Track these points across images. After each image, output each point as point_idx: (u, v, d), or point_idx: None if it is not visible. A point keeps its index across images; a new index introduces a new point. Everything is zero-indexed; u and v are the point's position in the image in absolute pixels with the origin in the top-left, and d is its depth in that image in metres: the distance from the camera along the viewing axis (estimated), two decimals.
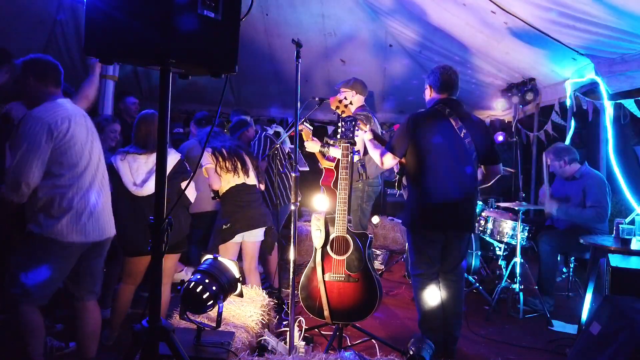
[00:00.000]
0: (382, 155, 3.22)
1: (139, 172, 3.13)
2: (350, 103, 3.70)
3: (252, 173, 3.75)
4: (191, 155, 4.32)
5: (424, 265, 3.16)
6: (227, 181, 3.64)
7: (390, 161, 3.20)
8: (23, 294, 2.47)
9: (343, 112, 3.60)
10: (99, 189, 2.66)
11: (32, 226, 2.45)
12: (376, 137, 3.43)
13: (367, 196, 4.10)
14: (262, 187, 3.91)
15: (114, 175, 3.11)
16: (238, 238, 3.66)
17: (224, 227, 3.61)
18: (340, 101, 3.61)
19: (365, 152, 3.74)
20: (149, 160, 3.16)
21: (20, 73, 2.54)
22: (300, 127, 3.86)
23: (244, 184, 3.68)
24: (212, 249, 3.65)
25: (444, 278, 3.20)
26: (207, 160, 3.61)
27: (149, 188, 3.09)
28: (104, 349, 3.23)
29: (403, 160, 3.28)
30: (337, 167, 4.05)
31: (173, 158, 3.21)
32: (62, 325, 3.49)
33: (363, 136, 3.40)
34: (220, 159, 3.60)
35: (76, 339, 2.83)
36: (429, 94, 3.29)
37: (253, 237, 3.74)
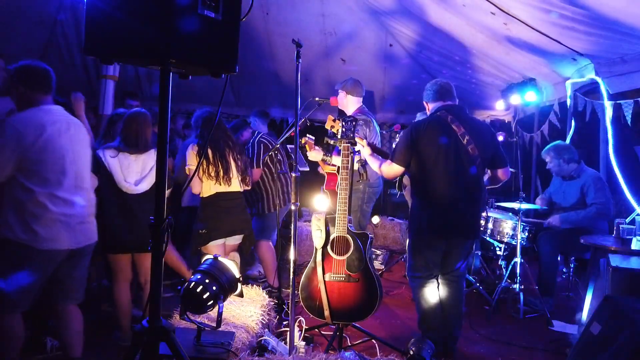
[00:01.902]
0: (385, 166, 3.22)
1: (130, 170, 3.16)
2: (339, 119, 3.71)
3: (235, 180, 3.61)
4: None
5: (423, 268, 3.17)
6: (208, 187, 3.54)
7: (394, 171, 3.20)
8: (6, 303, 2.45)
9: (338, 130, 3.62)
10: (82, 197, 2.64)
11: (8, 233, 2.42)
12: (375, 150, 3.42)
13: (367, 197, 4.10)
14: (248, 187, 3.81)
15: (103, 170, 3.14)
16: (219, 240, 3.62)
17: (200, 232, 3.56)
18: (334, 120, 3.65)
19: None
20: (138, 159, 3.19)
21: (11, 78, 2.55)
22: (303, 140, 3.87)
23: (226, 192, 3.58)
24: (192, 252, 3.63)
25: (443, 278, 3.20)
26: (192, 160, 3.50)
27: (142, 186, 3.17)
28: (104, 348, 3.24)
29: None
30: (339, 171, 4.05)
31: (154, 157, 3.18)
32: None
33: (362, 151, 3.38)
34: (204, 163, 3.46)
35: (61, 340, 2.80)
36: (428, 109, 3.33)
37: (233, 240, 3.74)
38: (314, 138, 4.02)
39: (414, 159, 3.11)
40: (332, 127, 3.66)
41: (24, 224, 2.42)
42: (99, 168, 3.14)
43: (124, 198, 3.15)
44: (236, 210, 3.67)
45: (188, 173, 3.57)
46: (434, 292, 3.16)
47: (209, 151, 3.49)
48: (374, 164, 3.33)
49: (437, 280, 3.20)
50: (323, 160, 4.00)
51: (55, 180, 2.50)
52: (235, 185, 3.64)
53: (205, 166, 3.46)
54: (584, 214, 4.13)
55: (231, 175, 3.56)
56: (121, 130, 3.25)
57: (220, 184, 3.53)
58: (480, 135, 3.11)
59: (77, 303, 2.77)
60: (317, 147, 3.98)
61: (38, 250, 2.45)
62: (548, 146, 4.51)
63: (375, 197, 4.21)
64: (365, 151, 3.37)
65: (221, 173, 3.50)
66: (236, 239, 3.76)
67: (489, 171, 3.28)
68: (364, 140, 3.42)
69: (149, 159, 3.22)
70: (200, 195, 3.59)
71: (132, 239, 3.18)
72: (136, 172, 3.18)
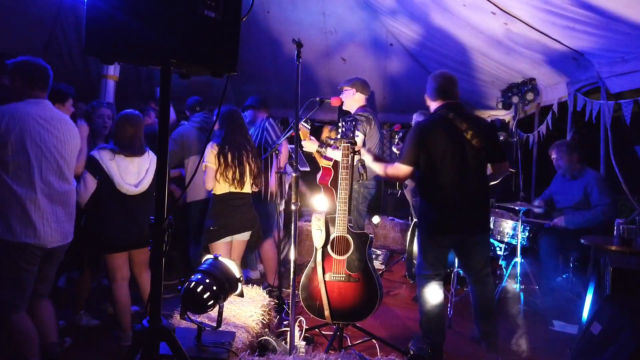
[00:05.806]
0: (392, 168, 3.22)
1: (127, 172, 3.21)
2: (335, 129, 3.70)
3: (247, 184, 3.72)
4: (187, 141, 4.32)
5: (432, 267, 3.19)
6: (221, 187, 3.64)
7: (403, 172, 3.18)
8: (8, 305, 2.48)
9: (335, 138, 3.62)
10: (51, 195, 2.61)
11: None
12: (376, 158, 3.40)
13: (362, 197, 4.11)
14: (257, 189, 3.90)
15: (100, 173, 3.15)
16: (228, 238, 3.70)
17: (211, 228, 3.65)
18: (330, 131, 3.65)
19: None
20: (134, 161, 3.24)
21: (9, 73, 2.55)
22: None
23: (237, 192, 3.68)
24: (203, 247, 3.70)
25: (474, 280, 3.23)
26: (210, 159, 3.56)
27: (141, 187, 3.24)
28: (105, 348, 3.24)
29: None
30: (334, 165, 4.05)
31: (154, 159, 3.29)
32: (65, 322, 3.51)
33: (365, 158, 3.37)
34: (223, 166, 3.55)
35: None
36: (428, 103, 3.35)
37: (242, 237, 3.80)
38: (309, 127, 4.02)
39: (422, 158, 3.13)
40: (329, 137, 3.68)
41: (1, 218, 2.43)
42: (97, 170, 3.15)
43: (123, 198, 3.20)
44: (244, 208, 3.76)
45: (204, 169, 3.62)
46: (438, 293, 3.17)
47: (229, 154, 3.57)
48: (378, 168, 3.34)
49: (443, 282, 3.21)
50: (318, 152, 4.00)
51: (25, 175, 2.49)
52: (247, 188, 3.74)
53: (222, 168, 3.55)
54: (589, 215, 4.13)
55: (245, 180, 3.67)
56: (114, 132, 3.28)
57: (235, 188, 3.64)
58: (481, 128, 3.15)
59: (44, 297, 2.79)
60: (312, 138, 3.99)
61: (18, 244, 2.47)
62: (557, 142, 4.51)
63: (369, 197, 4.21)
64: (367, 158, 3.36)
65: (237, 177, 3.60)
66: (244, 236, 3.83)
67: (489, 165, 3.30)
68: (364, 149, 3.42)
69: (144, 161, 3.30)
70: (213, 192, 3.67)
71: (130, 238, 3.23)
72: (133, 173, 3.24)
